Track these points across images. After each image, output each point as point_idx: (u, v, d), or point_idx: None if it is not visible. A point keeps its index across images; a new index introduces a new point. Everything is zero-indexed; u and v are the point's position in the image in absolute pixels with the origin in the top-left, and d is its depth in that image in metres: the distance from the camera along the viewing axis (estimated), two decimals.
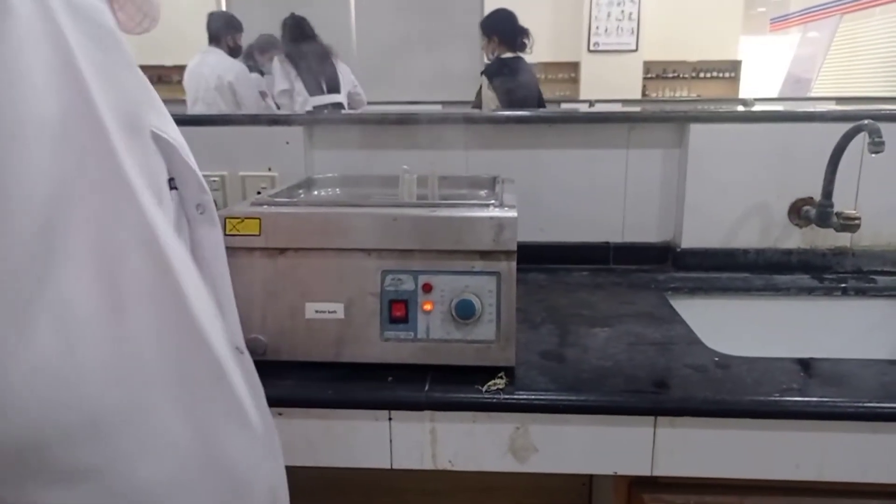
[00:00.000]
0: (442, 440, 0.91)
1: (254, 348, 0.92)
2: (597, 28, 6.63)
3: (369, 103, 4.46)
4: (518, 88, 3.41)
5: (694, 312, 1.29)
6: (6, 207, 0.45)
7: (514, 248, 0.91)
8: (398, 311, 0.93)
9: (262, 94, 4.08)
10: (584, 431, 0.89)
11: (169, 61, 5.79)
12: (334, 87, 3.77)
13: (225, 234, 0.92)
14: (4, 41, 0.45)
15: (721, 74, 7.02)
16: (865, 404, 0.85)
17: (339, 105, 3.74)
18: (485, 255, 0.92)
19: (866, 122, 1.15)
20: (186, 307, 0.57)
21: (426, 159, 1.43)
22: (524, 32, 3.47)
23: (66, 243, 0.48)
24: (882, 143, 1.11)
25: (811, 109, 1.38)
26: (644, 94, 6.92)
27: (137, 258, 0.53)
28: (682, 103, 5.86)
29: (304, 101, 3.67)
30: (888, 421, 0.84)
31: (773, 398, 0.86)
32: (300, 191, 1.20)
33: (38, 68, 0.47)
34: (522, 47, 3.47)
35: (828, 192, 1.28)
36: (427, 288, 0.93)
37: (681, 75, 7.07)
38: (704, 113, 1.39)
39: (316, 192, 1.24)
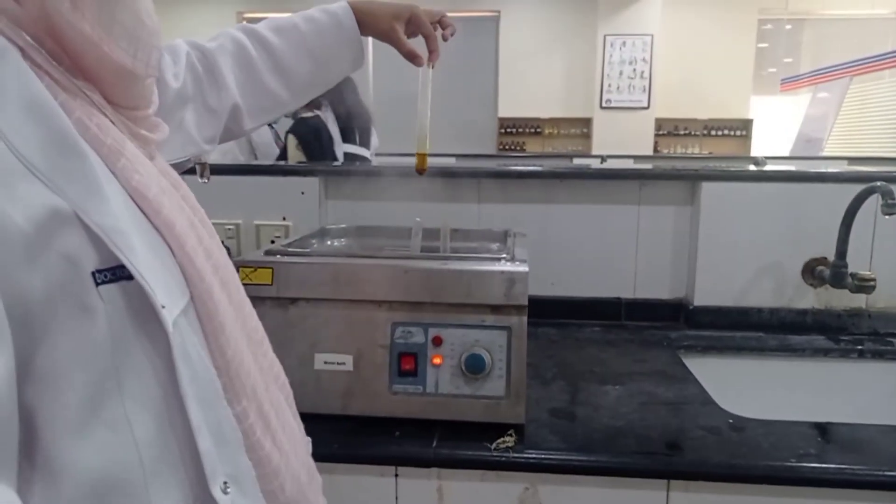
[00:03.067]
0: (449, 498, 0.89)
1: None
2: (609, 85, 6.74)
3: (386, 154, 4.54)
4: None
5: (707, 371, 1.27)
6: None
7: (526, 302, 0.91)
8: (407, 365, 0.92)
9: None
10: (596, 493, 0.87)
11: None
12: (365, 142, 3.87)
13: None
14: None
15: (732, 132, 7.09)
16: (887, 473, 0.82)
17: (366, 159, 3.82)
18: (495, 309, 0.92)
19: (879, 184, 1.15)
20: None
21: (439, 212, 1.44)
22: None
23: None
24: (895, 205, 1.11)
25: (823, 170, 1.38)
26: (656, 151, 6.99)
27: None
28: (693, 160, 5.90)
29: (336, 147, 3.76)
30: None
31: (789, 464, 0.84)
32: (313, 241, 1.21)
33: None
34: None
35: (842, 252, 1.27)
36: (437, 341, 0.92)
37: (692, 132, 7.15)
38: (716, 171, 1.40)
39: (329, 243, 1.25)
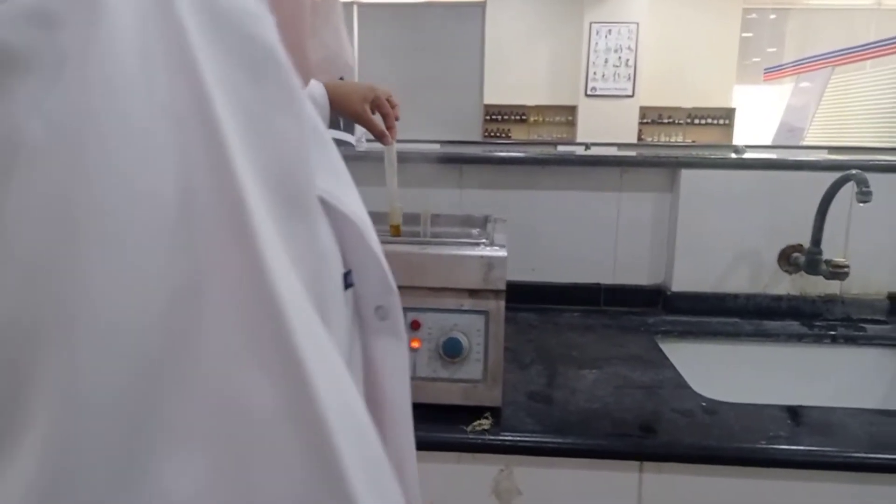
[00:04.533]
0: (425, 480, 0.89)
1: None
2: (594, 73, 6.75)
3: (373, 140, 4.53)
4: None
5: (683, 356, 1.29)
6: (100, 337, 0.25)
7: (504, 287, 0.91)
8: None
9: None
10: (570, 475, 0.88)
11: None
12: (350, 128, 3.85)
13: None
14: (95, 65, 0.25)
15: (715, 121, 7.13)
16: (854, 454, 0.84)
17: (350, 145, 3.81)
18: (474, 293, 0.92)
19: (854, 172, 1.17)
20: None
21: (421, 197, 1.44)
22: None
23: (172, 410, 0.25)
24: (869, 193, 1.13)
25: (800, 158, 1.40)
26: (640, 139, 7.02)
27: (281, 429, 0.28)
28: (675, 148, 5.94)
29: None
30: (876, 472, 0.83)
31: (760, 446, 0.85)
32: None
33: (146, 112, 0.27)
34: None
35: (817, 239, 1.29)
36: (415, 325, 0.93)
37: (676, 121, 7.18)
38: (696, 159, 1.41)
39: None
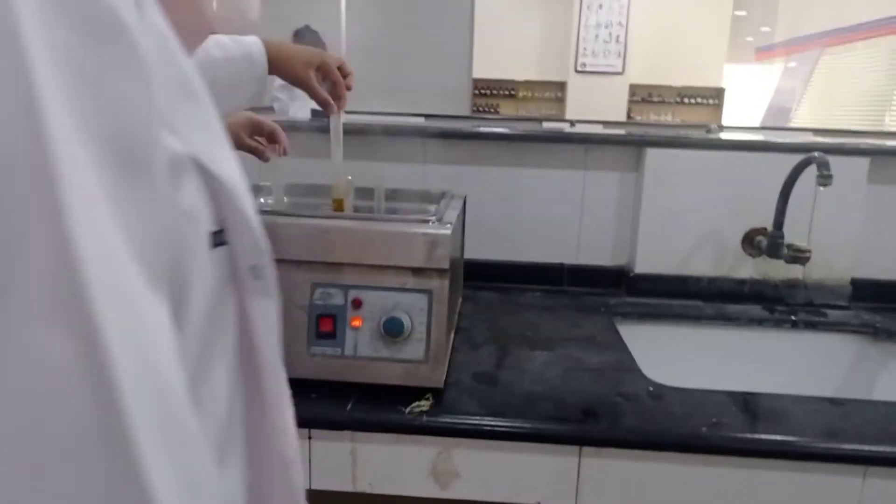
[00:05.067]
0: (363, 461, 0.88)
1: None
2: (584, 49, 6.66)
3: (354, 112, 4.45)
4: None
5: (641, 339, 1.27)
6: None
7: (447, 266, 0.89)
8: (326, 327, 0.91)
9: None
10: (509, 458, 0.87)
11: None
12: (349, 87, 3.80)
13: None
14: None
15: (705, 101, 7.07)
16: (793, 442, 0.83)
17: (324, 115, 3.76)
18: (417, 272, 0.90)
19: (816, 154, 1.14)
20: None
21: (382, 171, 1.42)
22: None
23: None
24: (830, 177, 1.11)
25: (770, 139, 1.37)
26: (629, 117, 6.96)
27: (73, 385, 0.28)
28: (662, 128, 5.90)
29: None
30: (814, 461, 0.82)
31: (698, 432, 0.84)
32: None
33: None
34: None
35: (779, 222, 1.27)
36: (357, 303, 0.91)
37: (665, 100, 7.12)
38: (660, 138, 1.38)
39: (262, 200, 1.21)
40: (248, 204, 0.43)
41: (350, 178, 1.12)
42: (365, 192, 1.17)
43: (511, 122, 5.77)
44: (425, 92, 6.82)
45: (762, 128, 4.43)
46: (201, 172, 0.40)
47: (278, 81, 3.89)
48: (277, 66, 0.92)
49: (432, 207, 1.20)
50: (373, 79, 6.56)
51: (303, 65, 0.94)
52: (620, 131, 1.69)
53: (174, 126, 0.38)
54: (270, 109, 4.06)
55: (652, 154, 1.36)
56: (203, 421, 0.41)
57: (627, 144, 1.41)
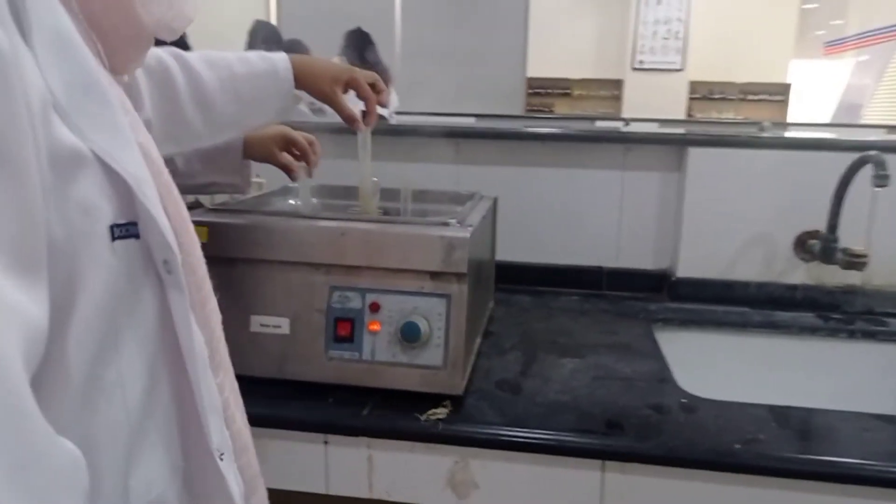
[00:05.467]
0: (379, 468, 0.86)
1: None
2: (642, 46, 6.50)
3: (406, 113, 4.47)
4: None
5: (681, 347, 1.22)
6: None
7: (465, 270, 0.86)
8: (343, 330, 0.89)
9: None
10: (528, 470, 0.83)
11: None
12: (383, 103, 3.83)
13: None
14: None
15: (770, 97, 6.79)
16: (835, 462, 0.77)
17: (383, 118, 3.78)
18: (435, 276, 0.88)
19: (872, 153, 1.06)
20: None
21: (415, 172, 1.40)
22: None
23: None
24: (887, 177, 1.03)
25: (823, 136, 1.29)
26: (689, 115, 6.75)
27: None
28: (723, 125, 5.68)
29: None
30: (861, 484, 0.76)
31: (732, 449, 0.79)
32: (273, 199, 1.18)
33: None
34: None
35: (832, 225, 1.19)
36: (374, 307, 0.89)
37: (727, 97, 6.87)
38: (703, 136, 1.32)
39: (292, 202, 1.21)
40: (152, 201, 0.45)
41: (376, 179, 1.10)
42: (392, 194, 1.16)
43: (563, 122, 5.68)
44: (478, 92, 6.77)
45: (829, 124, 4.21)
46: (104, 168, 0.42)
47: None
48: (303, 81, 0.92)
49: (459, 209, 1.17)
50: (426, 79, 6.59)
51: (329, 80, 0.93)
52: (671, 130, 1.62)
53: (73, 123, 0.40)
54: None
55: (695, 153, 1.30)
56: (107, 405, 0.44)
57: (669, 143, 1.35)
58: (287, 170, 1.10)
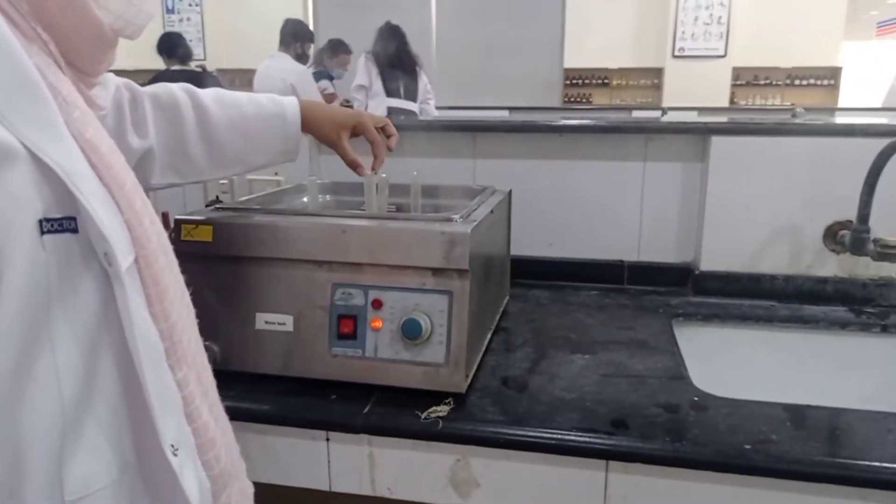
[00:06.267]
0: (380, 466, 0.86)
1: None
2: (682, 32, 6.35)
3: (443, 108, 4.45)
4: None
5: (702, 343, 1.18)
6: None
7: (466, 266, 0.85)
8: (346, 328, 0.89)
9: (329, 97, 4.16)
10: (530, 469, 0.82)
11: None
12: (411, 96, 3.84)
13: (180, 240, 0.92)
14: None
15: (819, 82, 6.56)
16: (853, 465, 0.73)
17: (412, 113, 3.79)
18: (436, 272, 0.86)
19: None
20: None
21: (434, 167, 1.39)
22: None
23: None
24: None
25: (850, 121, 1.23)
26: (732, 102, 6.57)
27: None
28: (769, 112, 5.51)
29: (380, 102, 3.74)
30: (876, 488, 0.72)
31: (742, 450, 0.76)
32: (285, 197, 1.19)
33: None
34: None
35: (863, 215, 1.13)
36: (377, 304, 0.88)
37: (773, 82, 6.66)
38: (727, 125, 1.27)
39: (304, 199, 1.22)
40: (86, 194, 0.45)
41: (384, 175, 1.10)
42: (404, 189, 1.15)
43: (599, 112, 5.59)
44: (515, 84, 6.72)
45: (878, 109, 4.03)
46: (36, 162, 0.43)
47: (355, 82, 3.96)
48: (310, 125, 0.95)
49: (469, 204, 1.16)
50: (462, 73, 6.57)
51: (335, 126, 0.96)
52: (710, 118, 1.57)
53: (3, 117, 0.41)
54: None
55: (718, 142, 1.25)
56: (40, 397, 0.45)
57: (691, 133, 1.30)
58: (353, 166, 1.00)
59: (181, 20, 6.73)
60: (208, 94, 0.89)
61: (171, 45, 3.96)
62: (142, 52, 5.30)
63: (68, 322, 0.46)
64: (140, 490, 0.52)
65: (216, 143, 0.89)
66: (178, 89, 0.87)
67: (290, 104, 0.93)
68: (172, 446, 0.51)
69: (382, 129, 1.01)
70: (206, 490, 0.56)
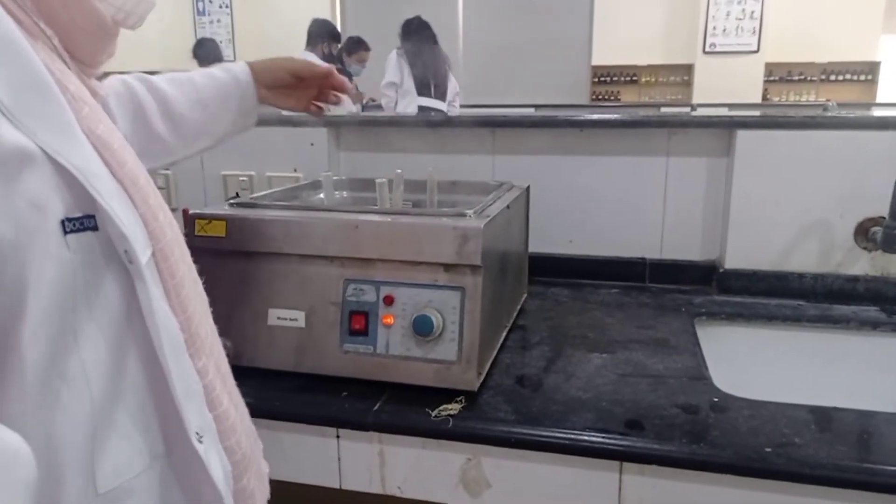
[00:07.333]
0: (391, 464, 0.85)
1: None
2: (713, 28, 6.23)
3: (469, 106, 4.43)
4: None
5: (726, 343, 1.15)
6: None
7: (479, 262, 0.83)
8: (358, 324, 0.88)
9: (356, 96, 4.18)
10: (542, 470, 0.80)
11: None
12: (441, 94, 3.83)
13: (194, 235, 0.92)
14: None
15: (856, 77, 6.38)
16: (877, 470, 0.70)
17: (441, 112, 3.78)
18: (449, 268, 0.85)
19: None
20: None
21: (452, 164, 1.38)
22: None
23: None
24: None
25: (882, 114, 1.18)
26: (765, 99, 6.43)
27: None
28: (802, 108, 5.36)
29: (411, 101, 3.74)
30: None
31: (762, 453, 0.73)
32: (301, 193, 1.18)
33: None
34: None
35: (894, 211, 1.09)
36: (388, 300, 0.87)
37: (808, 77, 6.50)
38: (753, 118, 1.23)
39: (320, 195, 1.22)
40: (103, 193, 0.46)
41: (399, 170, 1.09)
42: (419, 185, 1.14)
43: (626, 109, 5.51)
44: (542, 82, 6.68)
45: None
46: (54, 164, 0.43)
47: (385, 79, 3.96)
48: (262, 76, 0.96)
49: (485, 199, 1.14)
50: (489, 71, 6.54)
51: (284, 70, 0.97)
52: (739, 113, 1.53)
53: (20, 121, 0.41)
54: (379, 107, 4.14)
55: (743, 137, 1.22)
56: (70, 394, 0.45)
57: (715, 127, 1.27)
58: (311, 111, 1.03)
59: (211, 22, 6.82)
60: (161, 77, 0.92)
61: (205, 51, 4.07)
62: (174, 57, 5.40)
63: (93, 319, 0.46)
64: (169, 478, 0.53)
65: (178, 119, 0.91)
66: (130, 78, 0.89)
67: (239, 65, 0.96)
68: (198, 434, 0.52)
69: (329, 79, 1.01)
70: (228, 474, 0.57)
